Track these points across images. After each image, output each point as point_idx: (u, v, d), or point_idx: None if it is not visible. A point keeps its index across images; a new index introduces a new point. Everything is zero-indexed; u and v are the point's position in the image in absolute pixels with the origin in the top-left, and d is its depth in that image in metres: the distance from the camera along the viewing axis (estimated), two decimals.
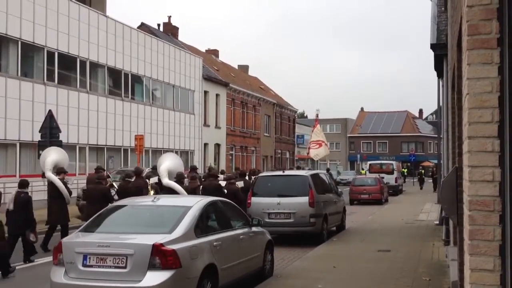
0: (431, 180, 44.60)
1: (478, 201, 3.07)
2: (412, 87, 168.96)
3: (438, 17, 13.87)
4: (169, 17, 44.76)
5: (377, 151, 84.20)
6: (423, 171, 50.90)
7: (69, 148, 22.80)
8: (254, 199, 14.50)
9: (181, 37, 51.43)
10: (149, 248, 6.84)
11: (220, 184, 14.90)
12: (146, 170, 18.69)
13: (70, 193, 13.67)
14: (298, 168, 39.41)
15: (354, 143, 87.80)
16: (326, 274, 9.95)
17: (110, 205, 8.86)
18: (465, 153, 3.27)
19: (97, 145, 27.74)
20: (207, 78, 40.51)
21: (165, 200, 9.00)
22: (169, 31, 43.37)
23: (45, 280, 7.94)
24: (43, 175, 18.74)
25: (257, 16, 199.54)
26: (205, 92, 40.33)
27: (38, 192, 19.65)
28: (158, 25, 43.70)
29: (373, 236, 15.51)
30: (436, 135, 25.99)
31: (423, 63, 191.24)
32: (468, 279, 3.15)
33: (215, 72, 44.03)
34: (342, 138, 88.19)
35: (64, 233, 12.60)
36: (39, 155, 18.39)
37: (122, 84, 30.21)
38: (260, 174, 16.76)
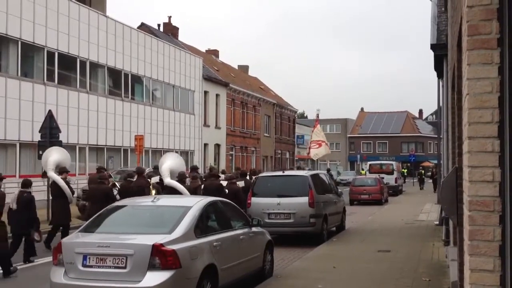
0: (431, 181, 44.61)
1: (478, 202, 3.07)
2: (412, 87, 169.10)
3: (438, 17, 13.87)
4: (169, 17, 44.81)
5: (377, 152, 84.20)
6: (423, 171, 50.89)
7: (69, 148, 22.77)
8: (254, 199, 14.50)
9: (181, 37, 51.52)
10: (149, 248, 6.84)
11: (221, 184, 14.93)
12: (147, 170, 18.70)
13: (72, 192, 13.79)
14: (299, 168, 39.46)
15: (354, 144, 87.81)
16: (326, 274, 9.95)
17: (110, 205, 8.84)
18: (465, 153, 3.27)
19: (97, 145, 27.74)
20: (207, 78, 40.51)
21: (165, 200, 9.00)
22: (169, 31, 43.38)
23: (45, 280, 7.94)
24: (43, 175, 18.79)
25: (257, 16, 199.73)
26: (205, 92, 40.34)
27: (38, 192, 19.61)
28: (158, 25, 43.75)
29: (373, 236, 15.51)
30: (436, 136, 26.00)
31: (423, 63, 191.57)
32: (468, 280, 3.14)
33: (215, 72, 44.04)
34: (342, 138, 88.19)
35: (65, 233, 12.62)
36: (39, 155, 18.41)
37: (122, 84, 30.21)
38: (260, 175, 16.77)
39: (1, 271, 10.27)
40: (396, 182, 38.99)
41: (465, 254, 3.38)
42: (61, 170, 14.02)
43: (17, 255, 11.08)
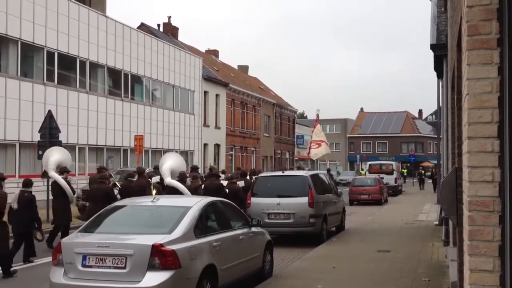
0: (431, 181, 44.62)
1: (477, 202, 3.07)
2: (412, 87, 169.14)
3: (438, 17, 13.87)
4: (169, 17, 44.79)
5: (376, 152, 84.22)
6: (423, 171, 50.90)
7: (69, 148, 22.73)
8: (254, 200, 14.50)
9: (181, 37, 51.53)
10: (148, 249, 6.84)
11: (221, 184, 14.95)
12: (147, 170, 18.71)
13: (73, 192, 13.84)
14: (299, 168, 39.44)
15: (354, 144, 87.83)
16: (326, 275, 9.95)
17: (109, 205, 8.84)
18: (465, 154, 3.27)
19: (97, 145, 27.73)
20: (207, 79, 40.50)
21: (165, 200, 9.00)
22: (169, 31, 43.37)
23: (44, 281, 7.94)
24: (42, 175, 18.79)
25: (257, 17, 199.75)
26: (205, 92, 40.33)
27: (38, 192, 19.55)
28: (158, 25, 43.72)
29: (372, 236, 15.51)
30: (436, 136, 26.02)
31: (423, 63, 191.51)
32: (468, 280, 3.14)
33: (215, 72, 44.04)
34: (341, 138, 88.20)
35: (65, 233, 12.63)
36: (38, 155, 18.40)
37: (122, 84, 30.20)
38: (260, 175, 16.77)
39: (1, 272, 10.28)
40: (395, 182, 39.01)
41: (464, 254, 3.38)
42: (62, 170, 14.07)
43: (17, 255, 11.08)
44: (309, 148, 32.79)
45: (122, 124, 29.69)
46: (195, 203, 8.18)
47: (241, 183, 15.89)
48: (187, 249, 7.17)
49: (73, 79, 26.41)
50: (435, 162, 43.31)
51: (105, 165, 25.21)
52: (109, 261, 6.91)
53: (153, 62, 33.03)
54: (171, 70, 35.23)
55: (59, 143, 17.87)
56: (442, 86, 13.97)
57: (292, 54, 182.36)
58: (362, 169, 57.99)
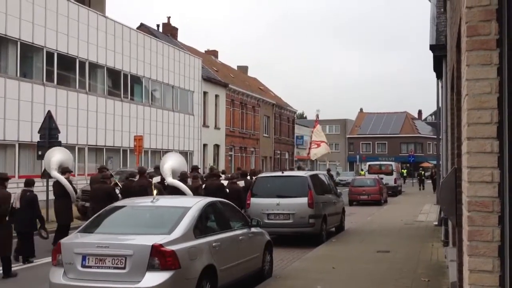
0: (430, 181, 44.62)
1: (477, 202, 3.07)
2: (412, 88, 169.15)
3: (437, 18, 13.88)
4: (169, 17, 44.84)
5: (376, 152, 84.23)
6: (423, 172, 50.92)
7: (68, 149, 22.66)
8: (254, 200, 14.50)
9: (181, 37, 51.46)
10: (148, 249, 6.84)
11: (222, 184, 14.97)
12: (147, 171, 18.74)
13: (76, 192, 13.90)
14: (299, 168, 39.41)
15: (353, 144, 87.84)
16: (325, 275, 9.95)
17: (109, 205, 8.84)
18: (464, 154, 3.27)
19: (96, 145, 27.72)
20: (206, 79, 40.50)
21: (164, 201, 9.01)
22: (169, 32, 43.38)
23: (44, 281, 7.94)
24: (42, 176, 18.80)
25: (257, 17, 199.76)
26: (204, 93, 40.33)
27: (38, 193, 19.57)
28: (158, 25, 43.73)
29: (372, 237, 15.51)
30: (435, 136, 26.00)
31: (423, 63, 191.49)
32: (467, 280, 3.15)
33: (215, 73, 44.04)
34: (341, 139, 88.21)
35: (65, 234, 12.64)
36: (38, 155, 18.41)
37: (121, 84, 30.19)
38: (260, 175, 16.78)
39: (1, 272, 10.29)
40: (395, 182, 39.00)
41: (464, 255, 3.38)
42: (64, 170, 14.15)
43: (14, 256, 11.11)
44: (309, 148, 32.82)
45: (122, 125, 29.68)
46: (195, 204, 8.18)
47: (241, 183, 15.91)
48: (187, 250, 7.17)
49: (73, 80, 26.40)
50: (435, 162, 43.31)
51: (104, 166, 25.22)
52: (109, 261, 6.91)
53: (152, 62, 33.03)
54: (170, 70, 35.23)
55: (59, 144, 17.88)
56: (442, 87, 13.98)
57: (292, 54, 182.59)
58: (362, 170, 58.01)
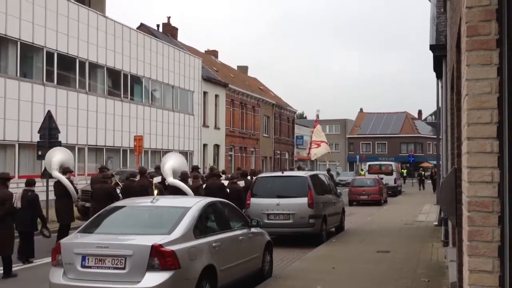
0: (430, 181, 44.60)
1: (477, 202, 3.07)
2: (412, 88, 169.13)
3: (437, 18, 13.88)
4: (169, 17, 44.84)
5: (376, 152, 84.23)
6: (423, 172, 50.93)
7: (68, 148, 22.69)
8: (253, 200, 14.50)
9: (180, 37, 51.38)
10: (148, 249, 6.84)
11: (223, 184, 14.98)
12: (147, 171, 18.76)
13: (77, 192, 13.97)
14: (299, 168, 39.41)
15: (353, 144, 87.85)
16: (325, 275, 9.95)
17: (108, 206, 8.84)
18: (464, 154, 3.27)
19: (96, 145, 27.72)
20: (206, 79, 40.51)
21: (164, 201, 9.00)
22: (169, 32, 43.38)
23: (44, 281, 7.94)
24: (42, 176, 18.79)
25: (256, 17, 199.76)
26: (204, 93, 40.33)
27: (38, 193, 19.58)
28: (158, 25, 43.73)
29: (372, 237, 15.51)
30: (435, 136, 26.00)
31: (423, 63, 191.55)
32: (467, 280, 3.14)
33: (214, 73, 44.04)
34: (341, 139, 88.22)
35: (65, 234, 12.66)
36: (38, 155, 18.40)
37: (121, 84, 30.19)
38: (259, 175, 16.79)
39: (1, 272, 10.30)
40: (395, 182, 38.99)
41: (464, 255, 3.38)
42: (65, 170, 14.20)
43: (15, 255, 11.10)
44: (309, 148, 32.83)
45: (122, 125, 29.69)
46: (195, 204, 8.18)
47: (241, 183, 15.92)
48: (187, 250, 7.17)
49: (73, 80, 26.40)
50: (435, 162, 43.32)
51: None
52: (109, 261, 6.91)
53: (152, 62, 33.04)
54: (170, 70, 35.23)
55: (59, 144, 17.88)
56: (442, 87, 13.98)
57: (292, 54, 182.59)
58: (362, 170, 58.00)
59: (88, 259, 7.00)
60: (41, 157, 17.59)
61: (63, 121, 24.05)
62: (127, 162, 29.57)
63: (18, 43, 22.71)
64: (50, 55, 24.52)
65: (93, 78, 28.02)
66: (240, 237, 8.93)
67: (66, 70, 26.01)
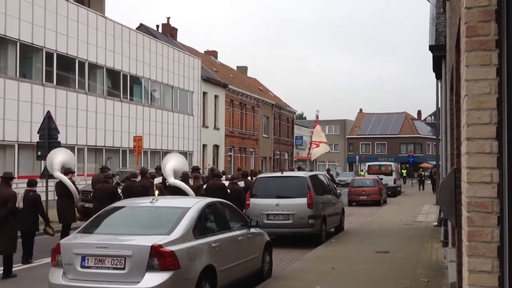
0: (430, 182, 44.58)
1: (476, 203, 3.07)
2: (412, 88, 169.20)
3: (436, 18, 13.88)
4: (168, 18, 44.82)
5: (375, 153, 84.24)
6: (423, 172, 50.93)
7: (68, 149, 22.74)
8: (253, 200, 14.49)
9: (180, 38, 51.35)
10: (147, 249, 6.84)
11: (224, 184, 15.00)
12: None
13: (79, 192, 14.01)
14: (299, 168, 39.41)
15: (353, 145, 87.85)
16: (325, 276, 9.95)
17: (108, 206, 8.84)
18: (464, 155, 3.27)
19: (96, 146, 27.72)
20: (206, 79, 40.50)
21: (164, 201, 9.00)
22: (168, 32, 43.37)
23: (44, 281, 7.93)
24: (41, 176, 18.78)
25: (256, 17, 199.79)
26: (204, 93, 40.33)
27: (38, 193, 19.60)
28: (157, 26, 43.73)
29: (371, 237, 15.51)
30: (435, 137, 26.03)
31: (423, 64, 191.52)
32: (467, 281, 3.14)
33: (214, 73, 44.04)
34: (340, 139, 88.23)
35: (65, 234, 12.70)
36: (37, 156, 18.39)
37: (121, 85, 30.19)
38: (259, 176, 16.79)
39: (1, 272, 10.30)
40: (394, 183, 38.97)
41: (463, 255, 3.38)
42: (67, 170, 14.26)
43: (14, 255, 11.10)
44: (309, 148, 32.85)
45: (121, 125, 29.69)
46: (194, 204, 8.18)
47: (241, 184, 15.92)
48: (186, 250, 7.17)
49: (72, 80, 26.40)
50: (434, 163, 43.32)
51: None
52: (108, 262, 6.91)
53: (152, 63, 33.04)
54: (170, 71, 35.23)
55: (58, 144, 17.88)
56: (441, 87, 13.98)
57: (292, 55, 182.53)
58: (361, 170, 57.97)
59: (88, 259, 7.01)
60: (41, 158, 17.59)
61: (62, 121, 24.05)
62: (127, 163, 29.56)
63: (18, 43, 22.71)
64: (49, 55, 24.52)
65: (92, 78, 28.01)
66: (240, 238, 8.93)
67: (65, 70, 26.01)
